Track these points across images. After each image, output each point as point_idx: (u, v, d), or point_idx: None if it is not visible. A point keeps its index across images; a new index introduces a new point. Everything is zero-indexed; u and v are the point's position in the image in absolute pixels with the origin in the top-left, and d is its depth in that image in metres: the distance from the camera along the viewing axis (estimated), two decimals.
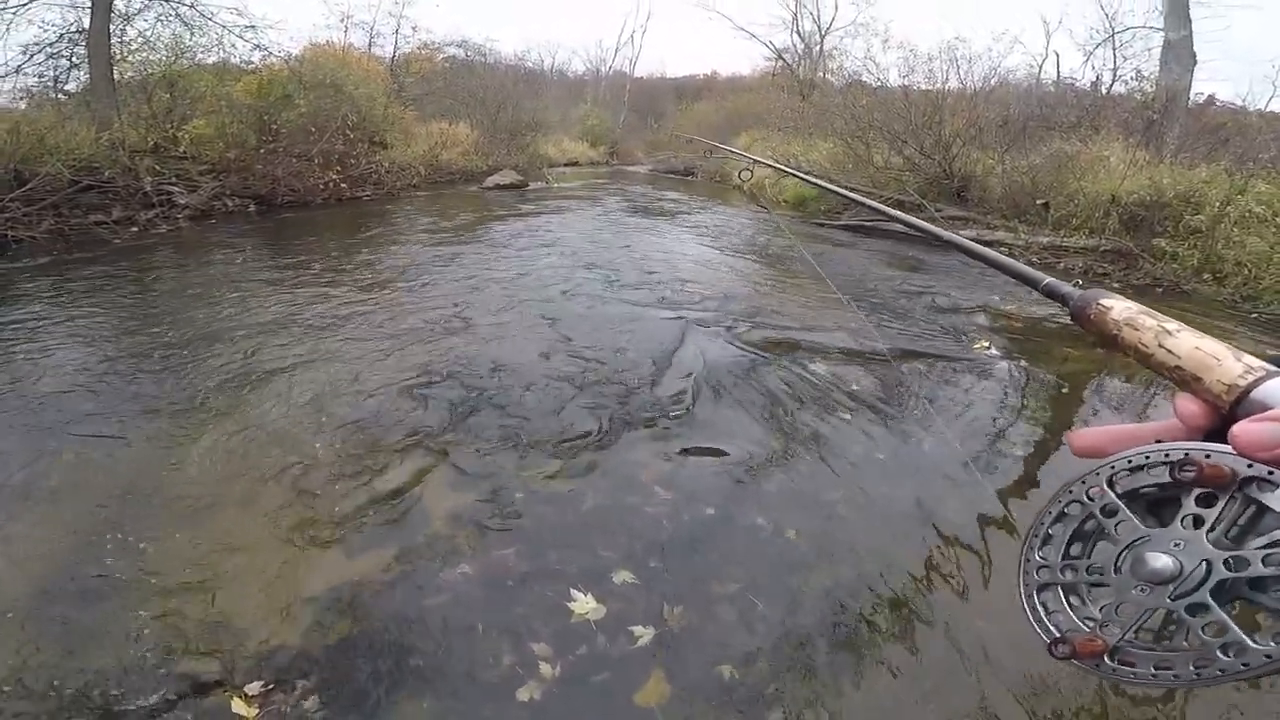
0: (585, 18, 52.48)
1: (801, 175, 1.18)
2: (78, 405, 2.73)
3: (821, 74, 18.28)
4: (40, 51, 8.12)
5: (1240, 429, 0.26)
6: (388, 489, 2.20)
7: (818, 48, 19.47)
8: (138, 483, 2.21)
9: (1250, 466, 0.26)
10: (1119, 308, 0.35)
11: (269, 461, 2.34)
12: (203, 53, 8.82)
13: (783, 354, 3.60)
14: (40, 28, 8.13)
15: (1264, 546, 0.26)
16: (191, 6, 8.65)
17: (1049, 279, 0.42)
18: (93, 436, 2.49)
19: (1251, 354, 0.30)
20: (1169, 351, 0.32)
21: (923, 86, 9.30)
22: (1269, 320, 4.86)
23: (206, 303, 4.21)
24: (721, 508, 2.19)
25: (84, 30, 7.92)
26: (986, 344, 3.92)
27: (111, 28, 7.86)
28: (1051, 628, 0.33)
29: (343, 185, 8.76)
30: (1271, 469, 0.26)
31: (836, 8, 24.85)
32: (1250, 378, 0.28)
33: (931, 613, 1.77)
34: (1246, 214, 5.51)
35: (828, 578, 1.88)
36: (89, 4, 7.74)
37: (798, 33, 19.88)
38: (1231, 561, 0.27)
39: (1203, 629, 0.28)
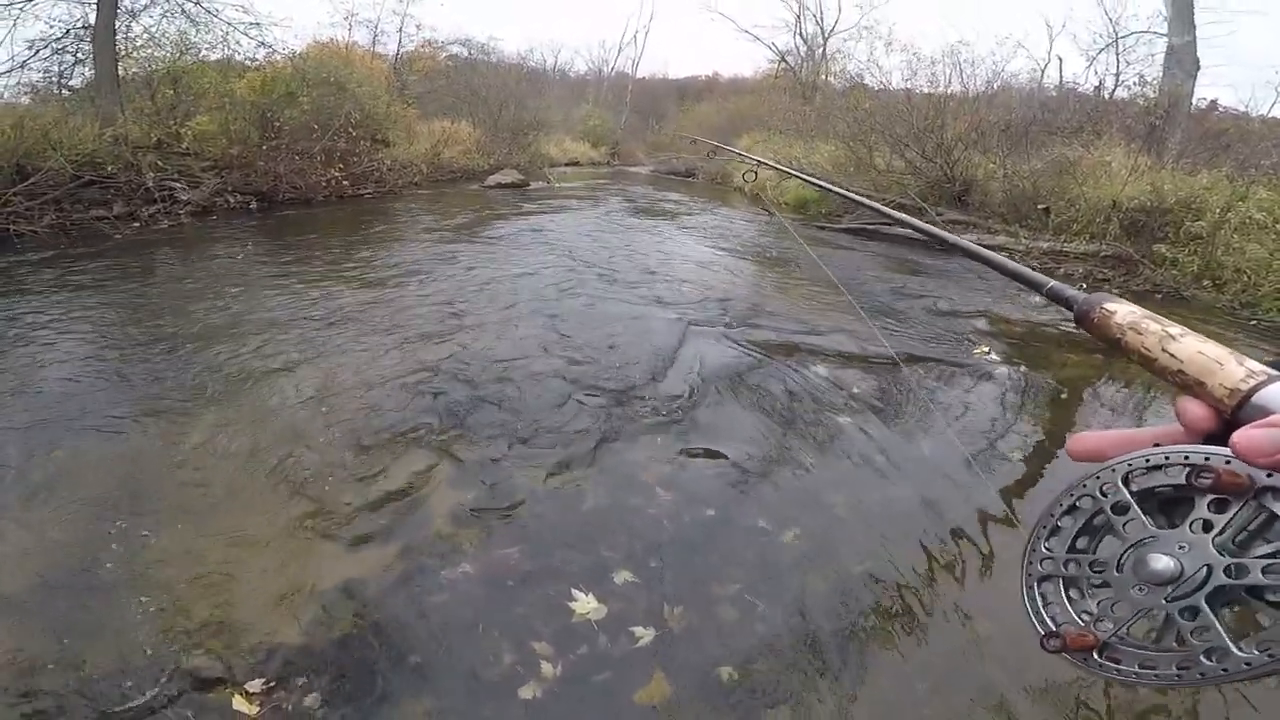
0: (587, 17, 52.41)
1: (811, 179, 1.19)
2: (79, 399, 2.74)
3: (824, 76, 18.30)
4: (46, 47, 8.14)
5: (1239, 436, 0.27)
6: (390, 486, 2.20)
7: (820, 50, 19.49)
8: (138, 477, 2.21)
9: (1270, 476, 0.26)
10: (1123, 312, 0.35)
11: (270, 457, 2.35)
12: (207, 49, 8.85)
13: (783, 355, 3.61)
14: (47, 23, 8.18)
15: (1266, 555, 0.27)
16: (197, 3, 8.66)
17: (1053, 283, 0.42)
18: (93, 430, 2.50)
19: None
20: (1172, 356, 0.32)
21: (925, 90, 9.32)
22: (1268, 327, 4.87)
23: (208, 298, 4.22)
24: (722, 508, 2.20)
25: (90, 26, 7.93)
26: (986, 349, 3.92)
27: (117, 24, 7.88)
28: (1047, 619, 0.33)
29: (344, 183, 8.77)
30: None
31: (840, 10, 24.98)
32: (1252, 382, 0.28)
33: (931, 613, 1.77)
34: (1247, 220, 5.51)
35: (827, 579, 1.89)
36: (95, 0, 7.75)
37: (800, 35, 19.91)
38: (1232, 569, 0.27)
39: (1192, 632, 0.28)
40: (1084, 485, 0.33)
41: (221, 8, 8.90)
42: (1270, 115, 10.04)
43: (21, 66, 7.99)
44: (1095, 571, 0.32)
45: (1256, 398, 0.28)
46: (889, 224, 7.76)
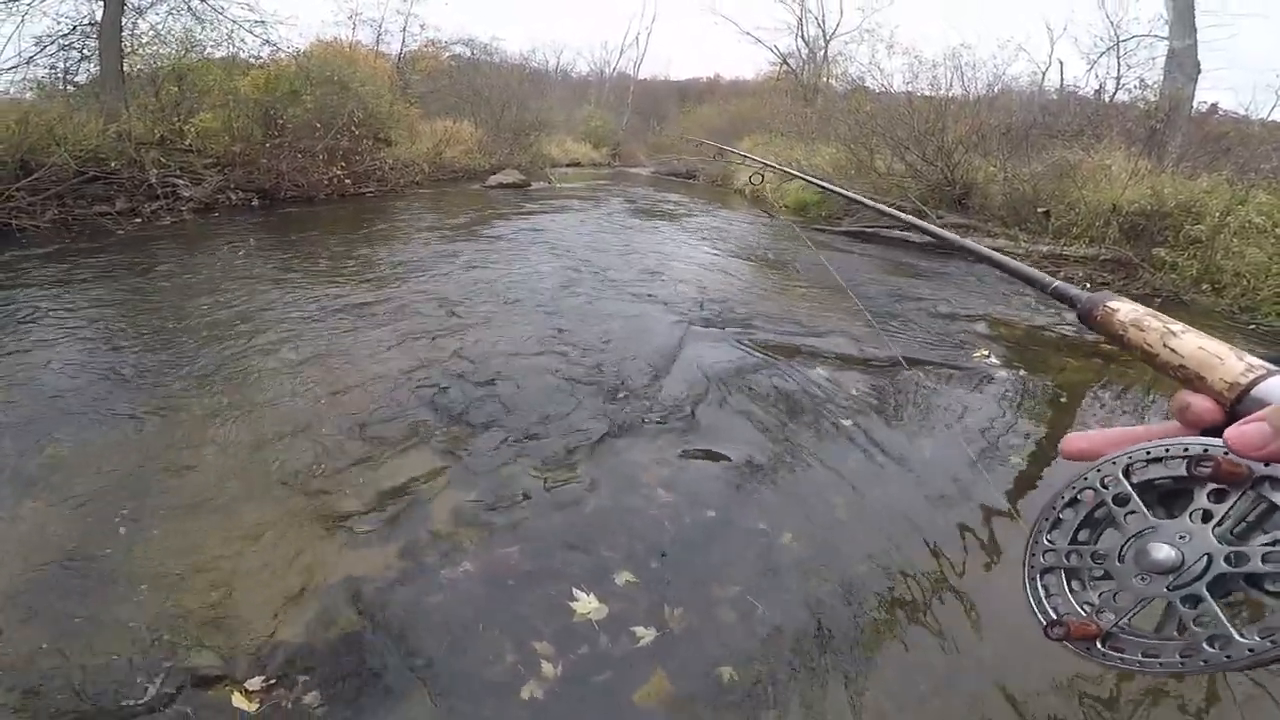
0: (589, 17, 52.51)
1: (822, 184, 1.19)
2: (80, 393, 2.74)
3: (825, 79, 18.31)
4: (52, 43, 8.15)
5: (1232, 432, 0.28)
6: (391, 484, 2.21)
7: (822, 53, 19.51)
8: (139, 471, 2.22)
9: (1268, 466, 0.27)
10: (1126, 309, 0.36)
11: (271, 453, 2.35)
12: (212, 46, 8.86)
13: (783, 357, 3.62)
14: (54, 20, 8.17)
15: (1267, 544, 0.27)
16: (203, 0, 8.67)
17: (1057, 281, 0.43)
18: (93, 425, 2.50)
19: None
20: (1173, 351, 0.32)
21: (926, 93, 9.33)
22: (1267, 331, 4.88)
23: (209, 294, 4.22)
24: (722, 510, 2.20)
25: (96, 23, 7.94)
26: (986, 352, 3.93)
27: (124, 20, 7.89)
28: (1050, 610, 0.33)
29: (346, 181, 8.77)
30: None
31: (842, 13, 24.90)
32: (1251, 376, 0.29)
33: (931, 614, 1.78)
34: (1246, 225, 5.52)
35: (827, 581, 1.89)
36: None
37: (802, 37, 19.93)
38: (1233, 557, 0.28)
39: (1194, 621, 0.28)
40: (1085, 478, 0.33)
41: (227, 5, 8.93)
42: (1270, 119, 10.05)
43: (28, 62, 8.00)
44: (1097, 563, 0.33)
45: (1255, 391, 0.29)
46: (888, 227, 7.78)
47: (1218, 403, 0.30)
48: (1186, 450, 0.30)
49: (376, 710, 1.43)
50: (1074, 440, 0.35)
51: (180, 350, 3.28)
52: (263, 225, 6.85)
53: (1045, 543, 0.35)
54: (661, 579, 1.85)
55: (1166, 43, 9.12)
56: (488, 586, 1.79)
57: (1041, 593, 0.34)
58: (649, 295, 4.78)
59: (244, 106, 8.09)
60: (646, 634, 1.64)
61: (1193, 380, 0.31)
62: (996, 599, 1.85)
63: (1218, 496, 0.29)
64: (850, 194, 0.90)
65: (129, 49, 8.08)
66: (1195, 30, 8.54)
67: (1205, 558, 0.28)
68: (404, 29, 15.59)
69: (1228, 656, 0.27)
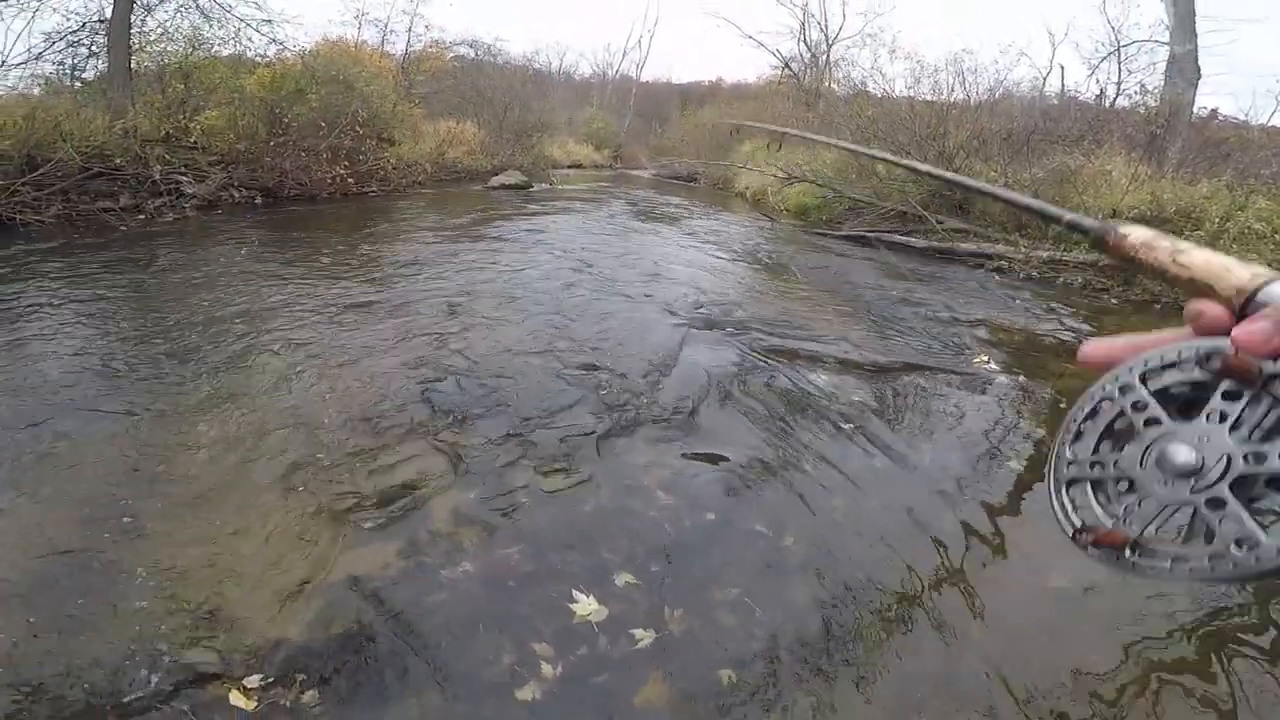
0: (590, 18, 52.79)
1: (846, 145, 1.20)
2: (81, 388, 2.75)
3: (827, 83, 18.34)
4: (61, 39, 8.18)
5: (1239, 330, 0.29)
6: (391, 483, 2.21)
7: (824, 57, 19.54)
8: (139, 467, 2.22)
9: (1276, 362, 0.27)
10: (1137, 233, 0.37)
11: (271, 450, 2.35)
12: (219, 44, 8.89)
13: (784, 361, 3.62)
14: (64, 16, 8.20)
15: None
16: None
17: (1070, 214, 0.44)
18: (94, 420, 2.50)
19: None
20: (1183, 265, 0.34)
21: (928, 97, 9.35)
22: None
23: (211, 291, 4.23)
24: (722, 513, 2.20)
25: (106, 19, 7.97)
26: (986, 358, 3.94)
27: (133, 17, 7.92)
28: (1076, 520, 0.33)
29: (349, 180, 8.79)
30: None
31: (844, 17, 25.00)
32: (1258, 281, 0.30)
33: (930, 618, 1.78)
34: (1246, 230, 5.53)
35: (826, 584, 1.89)
36: None
37: (805, 42, 19.97)
38: (1251, 456, 0.28)
39: (1220, 522, 0.28)
40: (1104, 388, 0.34)
41: (235, 3, 8.96)
42: (1270, 124, 10.07)
43: (36, 58, 8.03)
44: (1120, 472, 0.33)
45: (1261, 294, 0.30)
46: (888, 231, 7.80)
47: (1228, 308, 0.31)
48: (1198, 350, 0.31)
49: (375, 709, 1.43)
50: (1093, 347, 0.35)
51: (181, 346, 3.29)
52: (265, 223, 6.87)
53: (1068, 455, 0.35)
54: (661, 581, 1.85)
55: (1167, 48, 9.15)
56: (487, 586, 1.79)
57: (1069, 505, 0.34)
58: (649, 296, 4.78)
59: (249, 105, 8.11)
60: (646, 636, 1.64)
61: (1203, 291, 0.33)
62: (996, 602, 1.85)
63: (1232, 397, 0.29)
64: (867, 151, 0.91)
65: (137, 46, 8.10)
66: (1196, 35, 8.56)
67: (1225, 458, 0.28)
68: (409, 29, 15.64)
69: (1256, 559, 0.26)
